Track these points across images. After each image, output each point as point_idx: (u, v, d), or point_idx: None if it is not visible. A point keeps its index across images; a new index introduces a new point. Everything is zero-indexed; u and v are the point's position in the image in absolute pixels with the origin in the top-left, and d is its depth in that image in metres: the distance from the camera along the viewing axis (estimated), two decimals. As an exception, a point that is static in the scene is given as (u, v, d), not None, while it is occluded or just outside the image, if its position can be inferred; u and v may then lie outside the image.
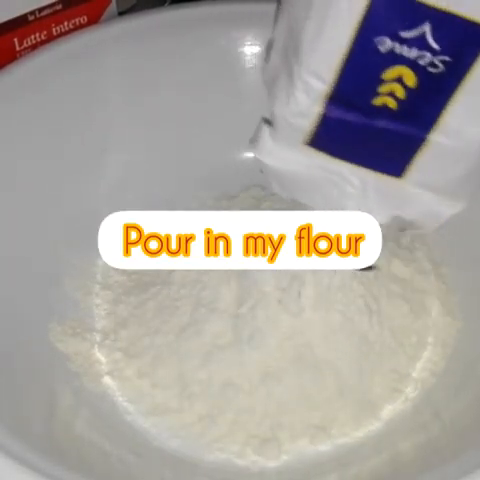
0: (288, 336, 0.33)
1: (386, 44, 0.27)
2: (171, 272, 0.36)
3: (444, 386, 0.34)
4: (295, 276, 0.34)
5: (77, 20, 0.44)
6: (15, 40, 0.42)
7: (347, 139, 0.31)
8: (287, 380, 0.33)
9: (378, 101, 0.29)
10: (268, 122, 0.33)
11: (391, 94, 0.29)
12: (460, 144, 0.29)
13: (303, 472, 0.32)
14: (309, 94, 0.29)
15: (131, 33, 0.43)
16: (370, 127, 0.30)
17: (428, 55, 0.27)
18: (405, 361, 0.35)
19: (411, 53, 0.27)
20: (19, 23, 0.41)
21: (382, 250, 0.33)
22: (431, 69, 0.27)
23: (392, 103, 0.29)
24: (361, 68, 0.28)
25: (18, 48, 0.42)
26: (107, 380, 0.34)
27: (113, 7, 0.45)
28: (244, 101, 0.43)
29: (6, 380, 0.31)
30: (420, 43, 0.27)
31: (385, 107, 0.29)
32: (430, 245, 0.38)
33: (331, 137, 0.31)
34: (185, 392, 0.33)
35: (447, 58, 0.27)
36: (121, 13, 0.46)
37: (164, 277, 0.36)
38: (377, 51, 0.27)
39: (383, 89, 0.28)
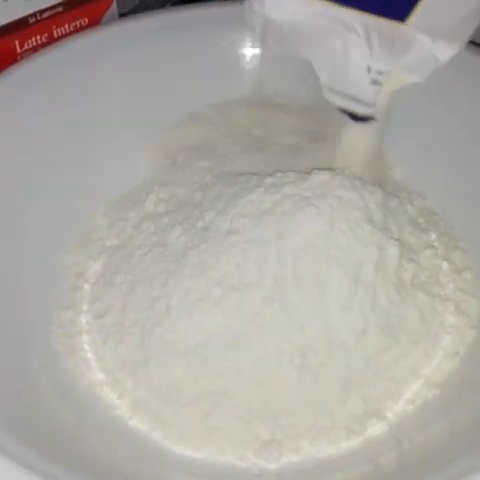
0: (288, 338, 0.33)
1: None
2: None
3: (451, 388, 0.34)
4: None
5: (78, 22, 0.44)
6: (16, 42, 0.42)
7: None
8: (288, 381, 0.33)
9: None
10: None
11: None
12: None
13: (304, 474, 0.32)
14: None
15: (132, 35, 0.43)
16: None
17: None
18: (412, 363, 0.34)
19: None
20: (20, 25, 0.42)
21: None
22: None
23: None
24: None
25: (19, 50, 0.42)
26: (106, 390, 0.35)
27: (114, 9, 0.45)
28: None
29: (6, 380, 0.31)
30: None
31: None
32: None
33: None
34: (184, 394, 0.33)
35: None
36: (122, 15, 0.46)
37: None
38: None
39: None
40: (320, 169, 0.36)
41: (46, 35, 0.43)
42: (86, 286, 0.38)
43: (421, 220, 0.39)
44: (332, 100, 0.35)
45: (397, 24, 0.32)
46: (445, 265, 0.38)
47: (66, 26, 0.44)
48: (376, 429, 0.33)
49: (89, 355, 0.35)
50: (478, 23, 0.32)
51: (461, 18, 0.32)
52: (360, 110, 0.35)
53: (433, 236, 0.39)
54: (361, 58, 0.33)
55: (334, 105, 0.35)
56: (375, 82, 0.34)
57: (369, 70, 0.33)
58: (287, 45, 0.34)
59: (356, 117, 0.35)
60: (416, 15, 0.32)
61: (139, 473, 0.32)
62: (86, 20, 0.44)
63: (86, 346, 0.36)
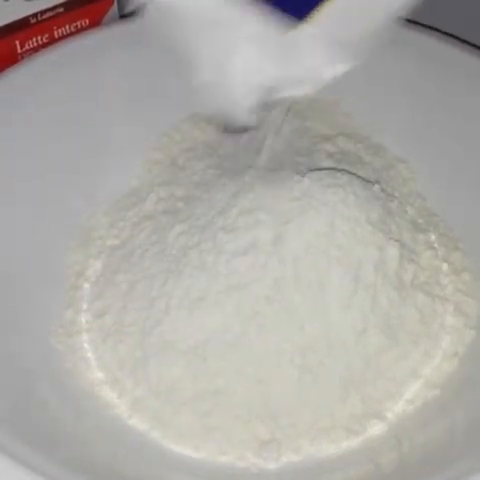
0: (289, 337, 0.33)
1: None
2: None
3: (450, 389, 0.34)
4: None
5: (79, 23, 0.44)
6: (17, 43, 0.42)
7: None
8: (288, 381, 0.33)
9: None
10: None
11: None
12: None
13: (304, 474, 0.32)
14: None
15: (132, 36, 0.43)
16: None
17: None
18: (412, 363, 0.34)
19: None
20: (21, 26, 0.42)
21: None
22: None
23: None
24: None
25: (20, 51, 0.42)
26: (107, 390, 0.35)
27: (115, 10, 0.45)
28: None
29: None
30: None
31: None
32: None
33: None
34: (184, 393, 0.33)
35: None
36: (123, 16, 0.46)
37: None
38: None
39: None
40: (321, 169, 0.36)
41: (47, 36, 0.43)
42: (86, 285, 0.38)
43: (421, 221, 0.39)
44: (207, 104, 0.32)
45: (293, 25, 0.28)
46: (445, 266, 0.38)
47: (67, 27, 0.44)
48: (376, 429, 0.33)
49: (89, 354, 0.35)
50: (373, 43, 0.29)
51: (362, 29, 0.29)
52: (240, 118, 0.31)
53: (433, 237, 0.39)
54: (253, 58, 0.29)
55: (208, 110, 0.32)
56: (264, 88, 0.30)
57: (261, 72, 0.29)
58: (173, 35, 0.30)
59: (230, 128, 0.32)
60: (315, 19, 0.28)
61: (138, 472, 0.31)
62: (87, 21, 0.44)
63: (86, 345, 0.36)
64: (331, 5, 0.28)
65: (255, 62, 0.29)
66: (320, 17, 0.28)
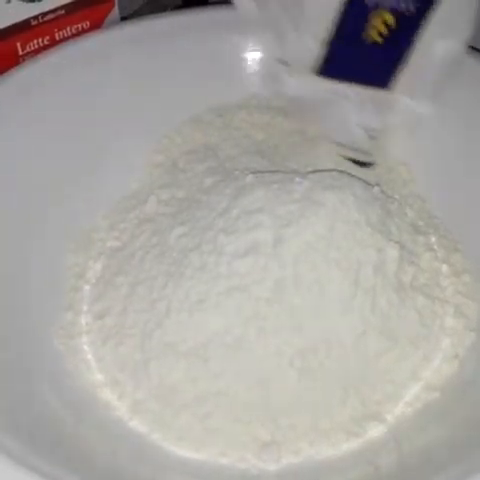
0: (289, 339, 0.33)
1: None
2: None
3: (450, 391, 0.34)
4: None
5: (80, 25, 0.44)
6: (18, 45, 0.42)
7: (346, 66, 0.40)
8: (288, 383, 0.33)
9: (368, 36, 0.39)
10: (281, 62, 0.42)
11: (377, 31, 0.39)
12: (430, 58, 0.39)
13: (303, 476, 0.32)
14: (316, 37, 0.40)
15: (133, 38, 0.43)
16: (364, 55, 0.40)
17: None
18: (412, 365, 0.34)
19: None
20: (22, 28, 0.42)
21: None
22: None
23: (378, 38, 0.39)
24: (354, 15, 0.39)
25: (21, 53, 0.42)
26: (106, 392, 0.35)
27: (115, 12, 0.45)
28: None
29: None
30: None
31: (374, 41, 0.39)
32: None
33: (334, 66, 0.40)
34: (184, 395, 0.33)
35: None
36: (124, 18, 0.46)
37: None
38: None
39: (370, 29, 0.39)
40: (320, 171, 0.36)
41: (48, 38, 0.43)
42: (86, 287, 0.38)
43: (421, 223, 0.39)
44: (342, 152, 0.41)
45: (383, 91, 0.41)
46: (445, 268, 0.38)
47: (68, 29, 0.44)
48: (375, 431, 0.33)
49: (89, 356, 0.35)
50: (444, 79, 0.40)
51: (432, 80, 0.40)
52: (361, 157, 0.41)
53: (433, 239, 0.39)
54: (357, 119, 0.41)
55: (343, 156, 0.41)
56: (371, 137, 0.41)
57: (364, 127, 0.41)
58: (303, 115, 0.43)
59: (359, 163, 0.41)
60: (396, 81, 0.40)
61: (139, 474, 0.31)
62: (88, 23, 0.44)
63: (86, 347, 0.36)
64: (405, 71, 0.40)
65: (361, 120, 0.42)
66: (399, 81, 0.40)
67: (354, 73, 0.41)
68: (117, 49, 0.42)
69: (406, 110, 0.41)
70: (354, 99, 0.41)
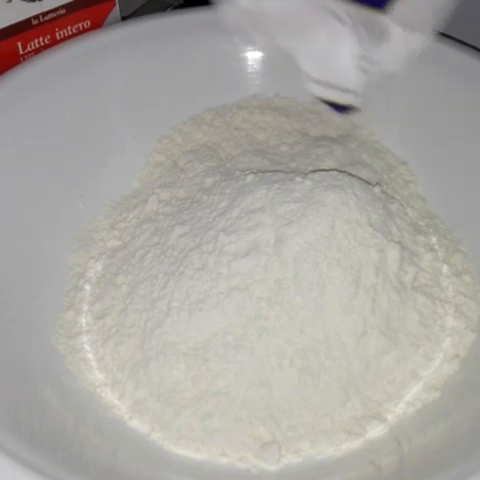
0: (289, 339, 0.33)
1: None
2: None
3: (451, 391, 0.34)
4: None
5: (80, 25, 0.44)
6: (19, 44, 0.42)
7: None
8: (288, 383, 0.33)
9: None
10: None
11: None
12: None
13: (304, 476, 0.32)
14: None
15: (134, 38, 0.43)
16: None
17: None
18: (412, 365, 0.34)
19: None
20: (23, 27, 0.42)
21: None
22: None
23: None
24: None
25: (21, 52, 0.42)
26: (108, 393, 0.35)
27: (116, 12, 0.45)
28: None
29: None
30: None
31: None
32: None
33: None
34: (185, 395, 0.33)
35: None
36: (124, 18, 0.46)
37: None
38: None
39: None
40: (322, 170, 0.36)
41: (49, 37, 0.43)
42: (87, 287, 0.38)
43: (421, 223, 0.39)
44: (316, 91, 0.35)
45: (374, 13, 0.33)
46: (445, 268, 0.38)
47: (68, 28, 0.44)
48: (376, 431, 0.33)
49: (89, 356, 0.35)
50: (444, 15, 0.34)
51: (430, 9, 0.33)
52: (345, 99, 0.35)
53: (433, 239, 0.39)
54: (351, 46, 0.33)
55: (317, 96, 0.35)
56: (363, 70, 0.34)
57: (359, 57, 0.34)
58: (270, 37, 0.34)
59: (339, 107, 0.35)
60: (393, 5, 0.33)
61: (139, 474, 0.31)
62: (88, 23, 0.44)
63: (86, 347, 0.36)
64: None
65: (353, 48, 0.33)
66: (397, 5, 0.33)
67: None
68: (118, 49, 0.42)
69: (400, 42, 0.34)
70: (345, 19, 0.33)
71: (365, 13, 0.33)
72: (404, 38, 0.34)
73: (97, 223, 0.40)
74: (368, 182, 0.38)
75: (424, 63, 0.40)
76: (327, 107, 0.35)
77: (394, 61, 0.34)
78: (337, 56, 0.34)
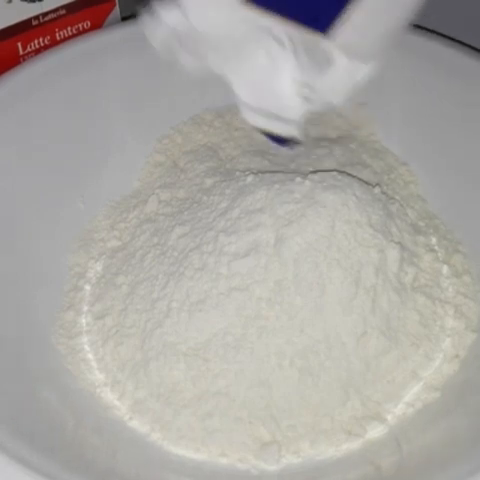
0: (289, 339, 0.33)
1: None
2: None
3: (451, 391, 0.34)
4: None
5: (80, 25, 0.44)
6: (19, 44, 0.42)
7: None
8: (288, 383, 0.33)
9: None
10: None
11: None
12: (385, 1, 0.29)
13: (304, 476, 0.32)
14: None
15: (134, 38, 0.43)
16: None
17: None
18: (412, 366, 0.34)
19: None
20: (23, 27, 0.42)
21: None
22: None
23: None
24: None
25: (22, 52, 0.42)
26: (107, 392, 0.35)
27: (116, 12, 0.45)
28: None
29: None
30: None
31: None
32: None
33: None
34: (185, 395, 0.33)
35: None
36: (124, 18, 0.46)
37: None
38: None
39: None
40: (321, 172, 0.36)
41: (49, 38, 0.43)
42: (87, 287, 0.38)
43: (422, 223, 0.39)
44: (253, 121, 0.31)
45: (317, 36, 0.29)
46: (445, 268, 0.38)
47: (68, 29, 0.44)
48: (376, 432, 0.33)
49: (89, 356, 0.35)
50: (391, 42, 0.30)
51: (378, 36, 0.30)
52: (285, 131, 0.31)
53: (433, 240, 0.39)
54: (291, 71, 0.30)
55: (254, 126, 0.32)
56: (305, 98, 0.31)
57: (301, 84, 0.30)
58: (205, 59, 0.30)
59: (279, 139, 0.32)
60: (335, 29, 0.29)
61: (139, 474, 0.31)
62: (88, 23, 0.44)
63: (86, 347, 0.36)
64: (349, 16, 0.29)
65: (293, 73, 0.30)
66: (340, 29, 0.29)
67: (287, 3, 0.29)
68: (118, 49, 0.42)
69: (344, 72, 0.30)
70: (284, 40, 0.29)
71: (306, 36, 0.29)
72: (348, 67, 0.30)
73: (97, 223, 0.40)
74: (368, 183, 0.38)
75: (424, 64, 0.41)
76: (266, 139, 0.32)
77: (337, 93, 0.31)
78: (276, 82, 0.30)
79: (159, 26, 0.30)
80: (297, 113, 0.31)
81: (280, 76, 0.30)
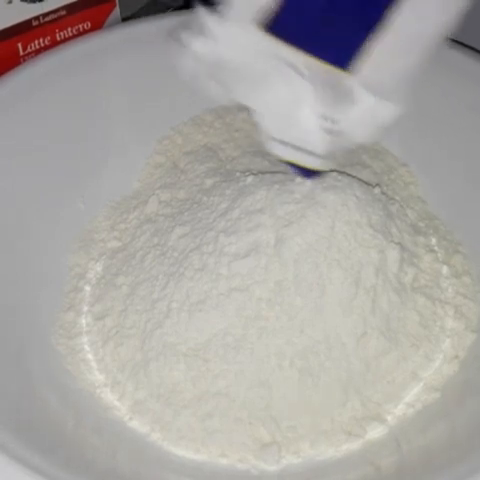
0: (289, 340, 0.33)
1: None
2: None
3: (451, 392, 0.34)
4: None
5: (81, 26, 0.44)
6: (19, 45, 0.42)
7: (303, 24, 0.29)
8: (288, 384, 0.33)
9: None
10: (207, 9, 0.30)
11: None
12: (407, 37, 0.29)
13: (304, 476, 0.32)
14: None
15: (134, 39, 0.43)
16: (327, 11, 0.29)
17: None
18: (412, 366, 0.34)
19: None
20: (23, 28, 0.42)
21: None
22: None
23: None
24: None
25: (22, 53, 0.43)
26: (107, 392, 0.35)
27: (116, 13, 0.45)
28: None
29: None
30: None
31: None
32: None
33: (287, 20, 0.29)
34: (185, 395, 0.33)
35: None
36: (124, 19, 0.46)
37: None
38: None
39: None
40: (321, 172, 0.36)
41: (49, 38, 0.43)
42: (87, 287, 0.38)
43: (421, 224, 0.39)
44: (278, 152, 0.32)
45: (338, 71, 0.30)
46: (445, 269, 0.38)
47: (69, 30, 0.44)
48: (376, 432, 0.33)
49: (89, 356, 0.35)
50: (415, 77, 0.31)
51: (400, 73, 0.30)
52: (310, 163, 0.32)
53: (433, 240, 0.39)
54: (313, 104, 0.30)
55: (279, 157, 0.32)
56: (327, 131, 0.31)
57: (323, 117, 0.30)
58: (227, 88, 0.31)
59: (305, 171, 0.33)
60: (356, 64, 0.30)
61: (138, 475, 0.31)
62: (89, 24, 0.45)
63: (86, 347, 0.36)
64: (370, 53, 0.29)
65: (315, 106, 0.30)
66: (361, 65, 0.30)
67: (309, 37, 0.29)
68: (118, 50, 0.42)
69: (366, 109, 0.30)
70: (307, 74, 0.30)
71: (328, 70, 0.30)
72: (373, 105, 0.30)
73: (97, 224, 0.40)
74: (368, 183, 0.38)
75: (424, 64, 0.41)
76: (292, 170, 0.33)
77: (362, 130, 0.31)
78: (298, 115, 0.31)
79: (188, 55, 0.31)
80: (320, 145, 0.31)
81: (301, 108, 0.30)
